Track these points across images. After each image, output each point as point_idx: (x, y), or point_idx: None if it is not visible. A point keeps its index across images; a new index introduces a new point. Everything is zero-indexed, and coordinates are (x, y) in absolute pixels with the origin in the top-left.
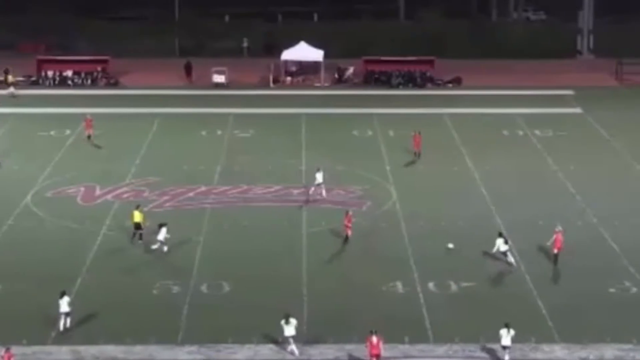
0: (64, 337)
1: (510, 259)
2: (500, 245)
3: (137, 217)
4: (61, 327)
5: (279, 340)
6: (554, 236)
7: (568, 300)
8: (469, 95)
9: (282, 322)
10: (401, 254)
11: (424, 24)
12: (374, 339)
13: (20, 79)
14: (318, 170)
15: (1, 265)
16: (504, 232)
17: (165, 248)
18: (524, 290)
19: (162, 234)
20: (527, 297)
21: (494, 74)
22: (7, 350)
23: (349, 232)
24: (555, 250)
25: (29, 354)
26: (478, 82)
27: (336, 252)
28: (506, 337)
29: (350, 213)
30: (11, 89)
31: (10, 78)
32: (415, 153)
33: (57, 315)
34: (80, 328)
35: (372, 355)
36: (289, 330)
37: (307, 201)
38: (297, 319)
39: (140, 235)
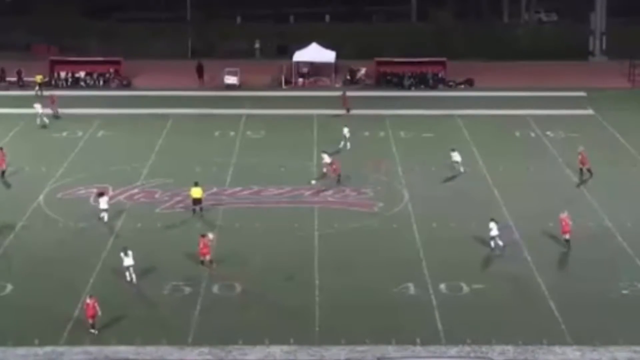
0: (76, 337)
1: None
2: (493, 229)
3: (197, 192)
4: (105, 219)
5: (290, 342)
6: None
7: (581, 302)
8: (481, 96)
9: (122, 254)
10: (413, 256)
11: (436, 25)
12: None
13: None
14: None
15: (13, 266)
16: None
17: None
18: (535, 291)
19: None
20: (538, 299)
21: (505, 76)
22: (91, 297)
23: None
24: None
25: (40, 355)
26: (490, 84)
27: (347, 254)
28: (495, 229)
29: None
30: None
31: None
32: (347, 109)
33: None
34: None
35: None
36: (128, 260)
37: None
38: (309, 320)
39: (201, 209)
